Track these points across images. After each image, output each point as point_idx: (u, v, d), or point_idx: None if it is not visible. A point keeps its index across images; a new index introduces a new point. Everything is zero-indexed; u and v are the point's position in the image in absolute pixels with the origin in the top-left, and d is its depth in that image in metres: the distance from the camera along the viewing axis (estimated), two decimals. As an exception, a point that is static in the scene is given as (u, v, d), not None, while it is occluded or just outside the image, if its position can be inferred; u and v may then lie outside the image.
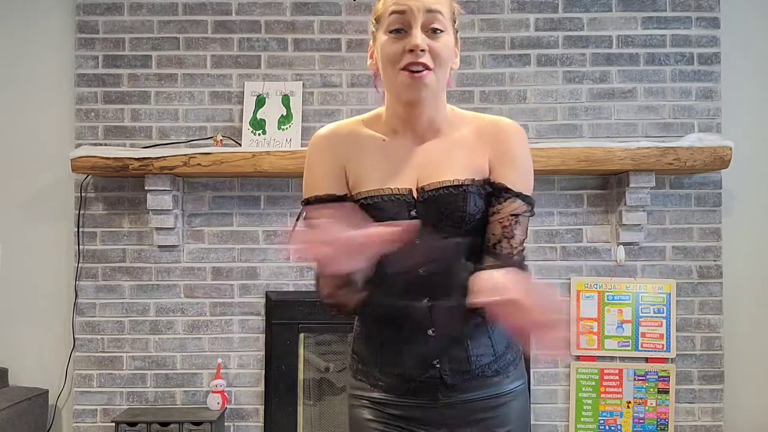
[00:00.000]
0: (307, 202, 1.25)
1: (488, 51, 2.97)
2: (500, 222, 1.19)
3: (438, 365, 1.20)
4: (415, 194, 1.20)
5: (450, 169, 1.20)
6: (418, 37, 1.14)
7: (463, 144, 1.23)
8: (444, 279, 1.19)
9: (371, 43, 1.27)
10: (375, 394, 1.24)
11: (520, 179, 1.21)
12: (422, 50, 1.14)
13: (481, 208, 1.19)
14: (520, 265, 1.18)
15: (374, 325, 1.25)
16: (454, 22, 1.22)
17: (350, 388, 1.31)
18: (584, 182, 2.94)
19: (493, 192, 1.21)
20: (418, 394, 1.21)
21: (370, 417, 1.24)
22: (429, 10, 1.15)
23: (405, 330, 1.21)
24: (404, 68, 1.15)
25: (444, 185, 1.18)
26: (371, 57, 1.27)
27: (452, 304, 1.17)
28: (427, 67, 1.15)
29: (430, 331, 1.19)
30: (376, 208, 1.18)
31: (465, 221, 1.18)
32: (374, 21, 1.23)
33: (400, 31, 1.16)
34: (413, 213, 1.19)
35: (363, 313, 1.27)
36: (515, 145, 1.23)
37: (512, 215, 1.19)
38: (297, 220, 1.24)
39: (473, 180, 1.19)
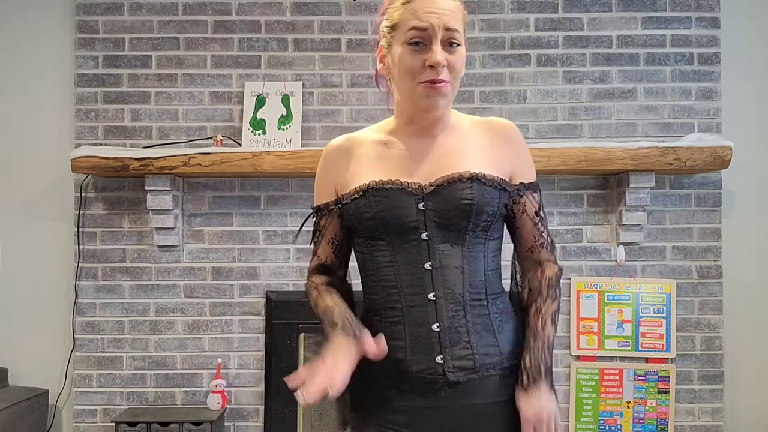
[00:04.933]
0: (317, 209, 1.35)
1: (488, 51, 2.97)
2: (527, 224, 1.29)
3: (441, 361, 1.18)
4: (422, 188, 1.22)
5: (465, 161, 1.23)
6: (439, 54, 1.18)
7: (475, 136, 1.29)
8: (451, 274, 1.21)
9: (382, 45, 1.28)
10: (374, 398, 1.24)
11: (532, 173, 1.32)
12: (443, 65, 1.19)
13: (491, 202, 1.22)
14: (558, 277, 1.32)
15: (378, 322, 1.24)
16: (464, 33, 1.26)
17: (347, 400, 1.30)
18: (584, 182, 2.94)
19: (515, 190, 1.27)
20: (420, 392, 1.19)
21: (372, 425, 1.24)
22: (448, 29, 1.19)
23: (409, 325, 1.20)
24: (424, 81, 1.19)
25: (452, 177, 1.21)
26: (381, 61, 1.29)
27: (458, 300, 1.20)
28: (445, 80, 1.20)
29: (434, 326, 1.19)
30: (380, 194, 1.22)
31: (474, 212, 1.20)
32: (389, 28, 1.24)
33: (419, 44, 1.19)
34: (420, 206, 1.21)
35: (367, 309, 1.29)
36: (524, 144, 1.32)
37: (536, 213, 1.29)
38: (304, 222, 1.40)
39: (484, 174, 1.22)
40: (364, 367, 1.20)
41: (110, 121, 2.96)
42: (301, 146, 2.86)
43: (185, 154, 2.72)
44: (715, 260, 2.93)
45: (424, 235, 1.20)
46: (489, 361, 1.20)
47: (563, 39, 2.97)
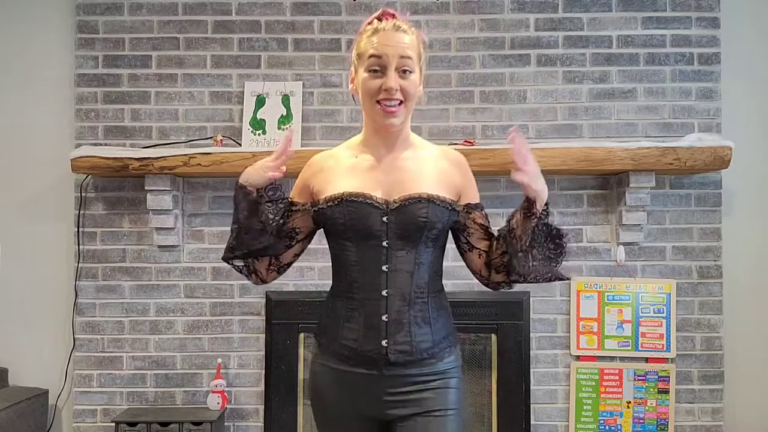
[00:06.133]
0: (291, 204, 1.62)
1: (488, 51, 2.97)
2: (480, 228, 1.56)
3: (385, 345, 1.47)
4: (387, 204, 1.47)
5: (421, 183, 1.49)
6: (393, 80, 1.44)
7: (433, 162, 1.54)
8: (402, 276, 1.47)
9: (352, 70, 1.55)
10: (333, 364, 1.53)
11: (477, 196, 1.58)
12: (396, 90, 1.45)
13: (441, 219, 1.48)
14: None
15: (341, 307, 1.52)
16: (420, 59, 1.51)
17: (314, 354, 1.60)
18: (584, 182, 2.94)
19: (464, 208, 1.54)
20: (367, 366, 1.48)
21: (328, 381, 1.54)
22: (401, 57, 1.45)
23: (364, 314, 1.48)
24: (379, 101, 1.46)
25: (413, 197, 1.46)
26: (352, 81, 1.56)
27: (405, 298, 1.48)
28: (399, 101, 1.46)
29: (383, 317, 1.47)
30: (351, 206, 1.46)
31: (427, 227, 1.46)
32: (356, 56, 1.52)
33: (377, 71, 1.46)
34: (384, 219, 1.46)
35: (335, 297, 1.56)
36: (470, 172, 1.59)
37: (483, 224, 1.56)
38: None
39: (438, 196, 1.48)
40: (326, 344, 1.54)
41: (110, 121, 2.96)
42: (301, 146, 2.85)
43: (185, 154, 2.73)
44: (715, 260, 2.93)
45: (384, 243, 1.47)
46: (423, 347, 1.49)
47: (563, 39, 2.97)
